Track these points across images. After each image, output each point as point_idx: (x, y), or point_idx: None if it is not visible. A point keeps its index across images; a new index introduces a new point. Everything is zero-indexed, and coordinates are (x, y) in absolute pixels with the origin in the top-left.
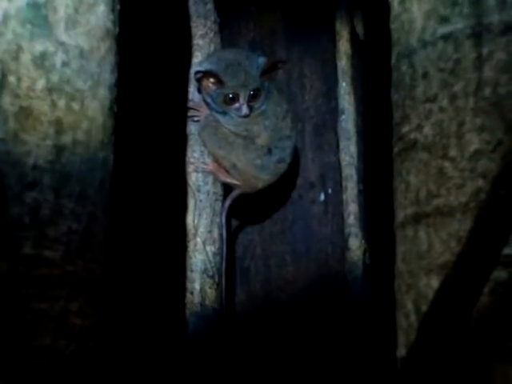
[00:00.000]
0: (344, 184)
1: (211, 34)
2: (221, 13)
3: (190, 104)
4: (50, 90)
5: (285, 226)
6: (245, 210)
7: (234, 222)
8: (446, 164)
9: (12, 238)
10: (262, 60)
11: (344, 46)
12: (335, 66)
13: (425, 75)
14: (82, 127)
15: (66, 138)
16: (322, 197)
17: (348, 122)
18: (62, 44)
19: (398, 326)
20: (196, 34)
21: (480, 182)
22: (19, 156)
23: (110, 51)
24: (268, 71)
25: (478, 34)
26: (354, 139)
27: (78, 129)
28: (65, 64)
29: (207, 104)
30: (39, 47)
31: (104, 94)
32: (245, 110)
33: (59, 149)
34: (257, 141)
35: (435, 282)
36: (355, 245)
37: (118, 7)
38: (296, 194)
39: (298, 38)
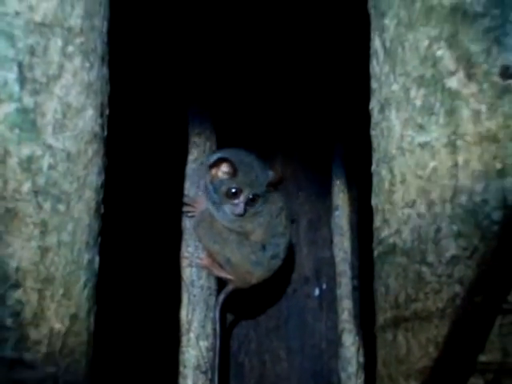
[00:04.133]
0: (338, 280)
1: (207, 132)
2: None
3: (186, 200)
4: (36, 192)
5: (280, 321)
6: (240, 304)
7: (230, 317)
8: (424, 269)
9: None
10: (270, 173)
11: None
12: (330, 165)
13: (403, 181)
14: (67, 229)
15: (51, 240)
16: (317, 292)
17: (341, 218)
18: (49, 147)
19: None
20: (193, 131)
21: (457, 288)
22: (3, 258)
23: (97, 154)
24: (273, 185)
25: (453, 143)
26: (347, 235)
27: (63, 230)
28: (51, 167)
29: (207, 193)
30: (26, 151)
31: (90, 195)
32: (240, 209)
33: (44, 250)
34: (251, 237)
35: None
36: (349, 341)
37: (106, 112)
38: (291, 288)
39: (294, 142)
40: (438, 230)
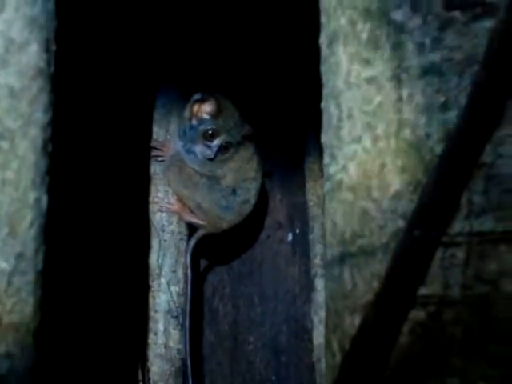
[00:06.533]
0: (311, 224)
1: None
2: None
3: (155, 144)
4: None
5: (253, 267)
6: (214, 249)
7: (203, 263)
8: (369, 204)
9: None
10: (246, 126)
11: None
12: (303, 112)
13: (350, 117)
14: (11, 167)
15: None
16: (290, 237)
17: (314, 163)
18: None
19: (326, 364)
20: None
21: (400, 223)
22: None
23: (42, 90)
24: (246, 137)
25: (398, 77)
26: (320, 180)
27: (8, 168)
28: None
29: (181, 131)
30: None
31: (36, 133)
32: (212, 152)
33: None
34: (221, 181)
35: (359, 322)
36: (321, 285)
37: (53, 47)
38: (264, 234)
39: (268, 91)
40: (383, 165)
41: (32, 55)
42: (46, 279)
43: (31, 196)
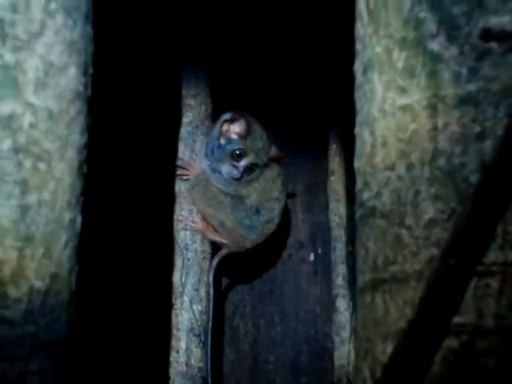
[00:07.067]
0: (333, 245)
1: (203, 95)
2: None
3: (180, 163)
4: (16, 150)
5: (274, 286)
6: (236, 268)
7: (225, 281)
8: (403, 231)
9: None
10: (273, 148)
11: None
12: (327, 129)
13: (384, 144)
14: (48, 187)
15: (32, 198)
16: (312, 257)
17: (337, 183)
18: (30, 105)
19: None
20: (187, 94)
21: (434, 250)
22: None
23: (80, 113)
24: (272, 159)
25: (433, 106)
26: (343, 200)
27: (44, 189)
28: (32, 125)
29: (208, 150)
30: (7, 108)
31: (72, 155)
32: (238, 172)
33: (24, 209)
34: (246, 201)
35: (391, 349)
36: (343, 306)
37: (90, 71)
38: (286, 253)
39: (291, 106)
40: (417, 193)
41: (71, 78)
42: (79, 298)
43: (66, 217)
